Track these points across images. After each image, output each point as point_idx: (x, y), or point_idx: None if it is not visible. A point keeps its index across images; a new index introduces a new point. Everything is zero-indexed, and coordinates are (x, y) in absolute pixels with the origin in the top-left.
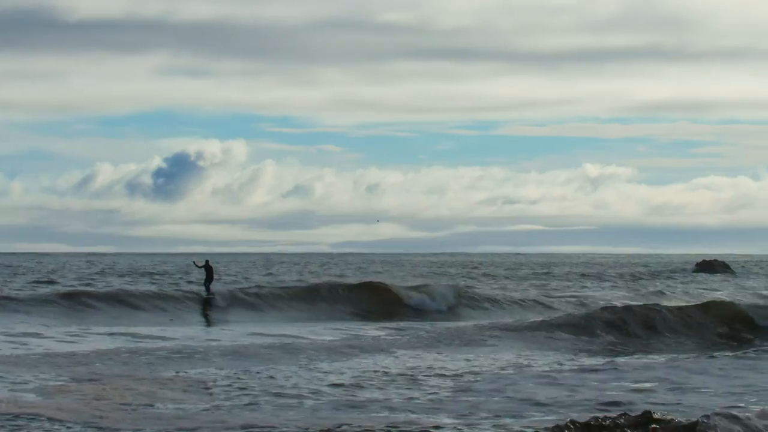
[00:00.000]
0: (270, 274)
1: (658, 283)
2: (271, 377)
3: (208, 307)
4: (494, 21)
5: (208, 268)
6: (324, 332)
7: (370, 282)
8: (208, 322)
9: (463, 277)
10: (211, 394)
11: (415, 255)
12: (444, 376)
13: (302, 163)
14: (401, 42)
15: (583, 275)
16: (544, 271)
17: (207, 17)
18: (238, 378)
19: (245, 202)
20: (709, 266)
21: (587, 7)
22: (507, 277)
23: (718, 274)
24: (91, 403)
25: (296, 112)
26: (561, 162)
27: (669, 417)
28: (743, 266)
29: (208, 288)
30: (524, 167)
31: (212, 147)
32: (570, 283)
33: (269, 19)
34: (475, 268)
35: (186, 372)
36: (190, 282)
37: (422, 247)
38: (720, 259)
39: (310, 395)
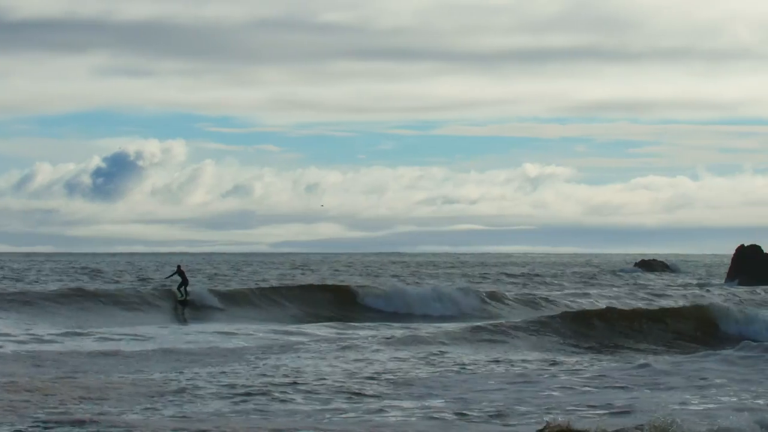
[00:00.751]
0: (216, 274)
1: (597, 282)
2: (215, 377)
3: (176, 307)
4: (434, 21)
5: (180, 272)
6: (279, 332)
7: (326, 283)
8: (163, 323)
9: (407, 276)
10: (162, 395)
11: (354, 254)
12: (388, 377)
13: (241, 162)
14: (341, 42)
15: (526, 274)
16: (485, 271)
17: (146, 17)
18: (178, 378)
19: (184, 201)
20: (648, 266)
21: (527, 7)
22: (448, 276)
23: (657, 273)
24: (17, 405)
25: (235, 112)
26: (500, 162)
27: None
28: (682, 266)
29: (185, 290)
30: (464, 167)
31: (151, 147)
32: (518, 281)
33: (209, 19)
34: (418, 267)
35: (133, 373)
36: (140, 279)
37: (361, 247)
38: (659, 259)
39: (245, 397)
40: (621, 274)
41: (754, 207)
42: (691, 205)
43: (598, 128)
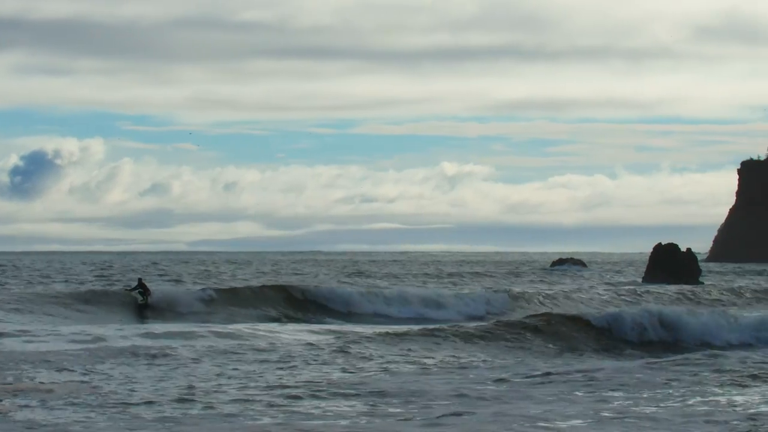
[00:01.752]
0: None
1: (521, 282)
2: (130, 379)
3: (137, 311)
4: (353, 20)
5: (142, 285)
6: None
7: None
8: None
9: (326, 275)
10: (83, 400)
11: (274, 253)
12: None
13: (159, 161)
14: (259, 40)
15: (454, 273)
16: (404, 270)
17: (64, 15)
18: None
19: (102, 200)
20: (566, 264)
21: (446, 6)
22: (370, 275)
23: (576, 272)
24: None
25: (153, 111)
26: (418, 160)
27: None
28: (599, 264)
29: (146, 298)
30: (382, 166)
31: (70, 145)
32: (452, 280)
33: (127, 17)
34: (346, 266)
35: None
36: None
37: (279, 245)
38: (576, 257)
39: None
40: (537, 273)
41: (671, 206)
42: (609, 204)
43: (516, 127)
